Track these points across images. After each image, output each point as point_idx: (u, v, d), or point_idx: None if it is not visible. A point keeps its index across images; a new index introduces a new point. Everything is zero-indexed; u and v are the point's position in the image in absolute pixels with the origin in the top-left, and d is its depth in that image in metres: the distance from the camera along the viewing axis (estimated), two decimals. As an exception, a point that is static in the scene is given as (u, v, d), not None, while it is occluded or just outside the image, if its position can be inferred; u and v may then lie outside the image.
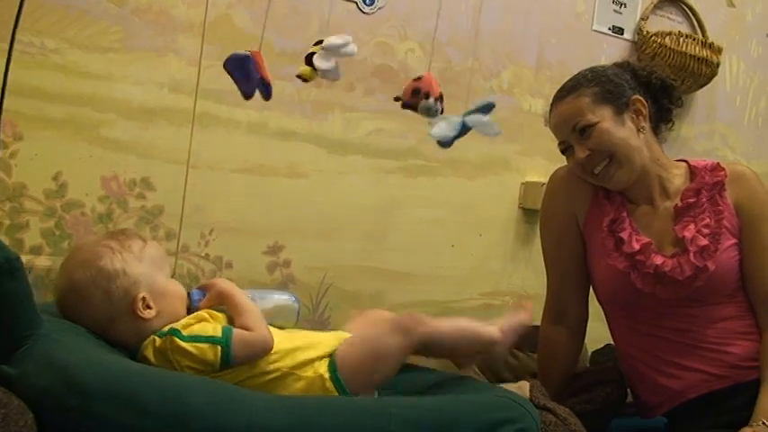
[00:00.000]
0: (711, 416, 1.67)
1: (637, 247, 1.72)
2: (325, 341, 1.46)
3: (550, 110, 1.80)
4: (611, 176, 1.72)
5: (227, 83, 2.06)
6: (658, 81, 1.80)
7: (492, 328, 1.55)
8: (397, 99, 1.63)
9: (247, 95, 1.55)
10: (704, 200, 1.73)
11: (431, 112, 1.60)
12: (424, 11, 2.36)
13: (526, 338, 2.18)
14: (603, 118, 1.69)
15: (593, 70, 1.78)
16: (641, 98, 1.74)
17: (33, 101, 1.84)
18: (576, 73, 1.79)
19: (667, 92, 1.81)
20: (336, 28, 2.22)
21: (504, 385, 1.68)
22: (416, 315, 1.48)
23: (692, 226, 1.71)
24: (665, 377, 1.72)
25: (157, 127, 1.99)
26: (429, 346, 1.50)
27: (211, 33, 2.04)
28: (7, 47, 1.69)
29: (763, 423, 1.50)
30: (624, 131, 1.70)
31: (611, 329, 1.88)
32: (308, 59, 1.58)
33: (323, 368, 1.40)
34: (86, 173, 1.92)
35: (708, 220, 1.70)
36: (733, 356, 1.68)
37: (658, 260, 1.70)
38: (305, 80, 1.59)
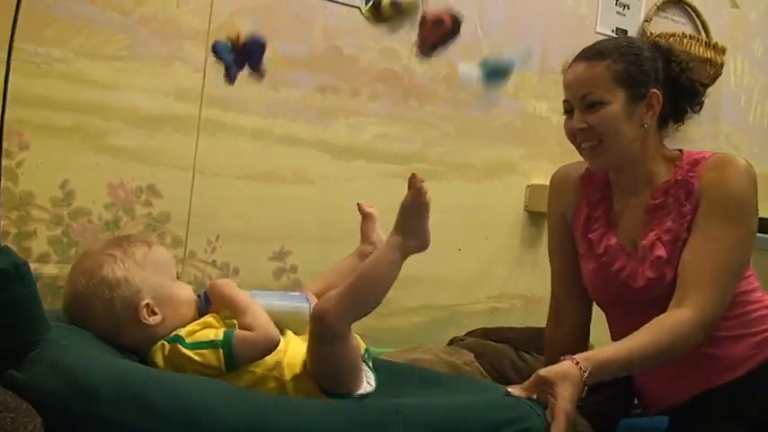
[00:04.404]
0: (712, 413, 1.66)
1: (601, 250, 1.72)
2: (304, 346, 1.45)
3: (572, 62, 1.72)
4: (595, 157, 1.68)
5: (233, 90, 2.08)
6: (687, 81, 1.72)
7: (392, 245, 1.37)
8: None
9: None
10: (671, 200, 1.66)
11: None
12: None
13: (533, 340, 2.20)
14: (616, 100, 1.63)
15: (630, 44, 1.70)
16: (659, 95, 1.67)
17: (39, 110, 1.85)
18: (615, 37, 1.71)
19: (691, 95, 1.74)
20: (341, 34, 2.23)
21: (510, 387, 1.68)
22: (318, 311, 1.32)
23: (653, 233, 1.66)
24: (663, 374, 1.70)
25: (163, 134, 2.01)
26: (359, 316, 1.35)
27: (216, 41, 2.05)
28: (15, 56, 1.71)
29: (572, 359, 1.39)
30: (627, 122, 1.64)
31: (609, 327, 1.87)
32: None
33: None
34: (93, 180, 1.93)
35: (670, 223, 1.64)
36: (725, 357, 1.66)
37: (618, 265, 1.69)
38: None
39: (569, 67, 1.72)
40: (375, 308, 1.36)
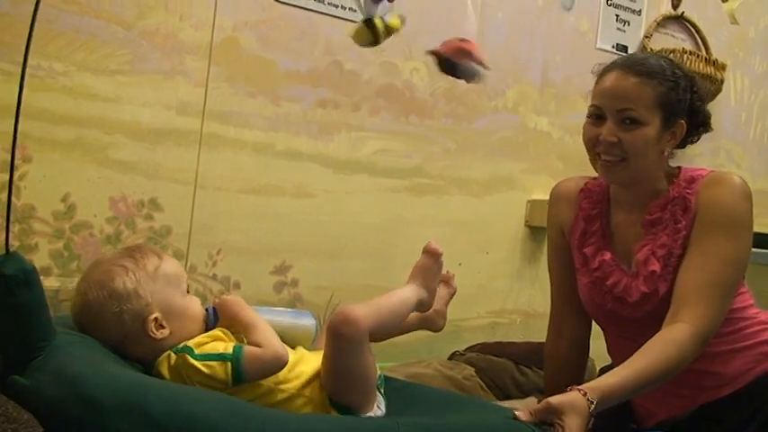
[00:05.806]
0: (711, 428, 1.65)
1: (595, 265, 1.72)
2: (315, 360, 1.45)
3: (613, 69, 1.67)
4: (613, 172, 1.66)
5: (234, 104, 2.09)
6: (703, 115, 1.72)
7: (411, 288, 1.56)
8: (434, 53, 1.56)
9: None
10: (667, 216, 1.66)
11: (471, 74, 1.55)
12: (429, 30, 2.38)
13: (533, 355, 2.20)
14: (653, 123, 1.62)
15: (674, 69, 1.66)
16: (684, 125, 1.66)
17: (42, 123, 1.86)
18: (662, 57, 1.68)
19: (702, 127, 1.73)
20: (342, 49, 2.24)
21: (511, 402, 1.68)
22: (343, 313, 1.36)
23: (647, 247, 1.66)
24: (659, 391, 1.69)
25: (165, 148, 2.01)
26: (376, 333, 1.43)
27: (218, 55, 2.06)
28: (16, 69, 1.71)
29: (580, 390, 1.40)
30: (654, 146, 1.63)
31: (606, 342, 1.86)
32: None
33: (322, 390, 1.41)
34: (95, 194, 1.93)
35: (665, 238, 1.64)
36: (721, 372, 1.65)
37: (612, 280, 1.69)
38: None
39: (609, 72, 1.67)
40: (391, 328, 1.52)
